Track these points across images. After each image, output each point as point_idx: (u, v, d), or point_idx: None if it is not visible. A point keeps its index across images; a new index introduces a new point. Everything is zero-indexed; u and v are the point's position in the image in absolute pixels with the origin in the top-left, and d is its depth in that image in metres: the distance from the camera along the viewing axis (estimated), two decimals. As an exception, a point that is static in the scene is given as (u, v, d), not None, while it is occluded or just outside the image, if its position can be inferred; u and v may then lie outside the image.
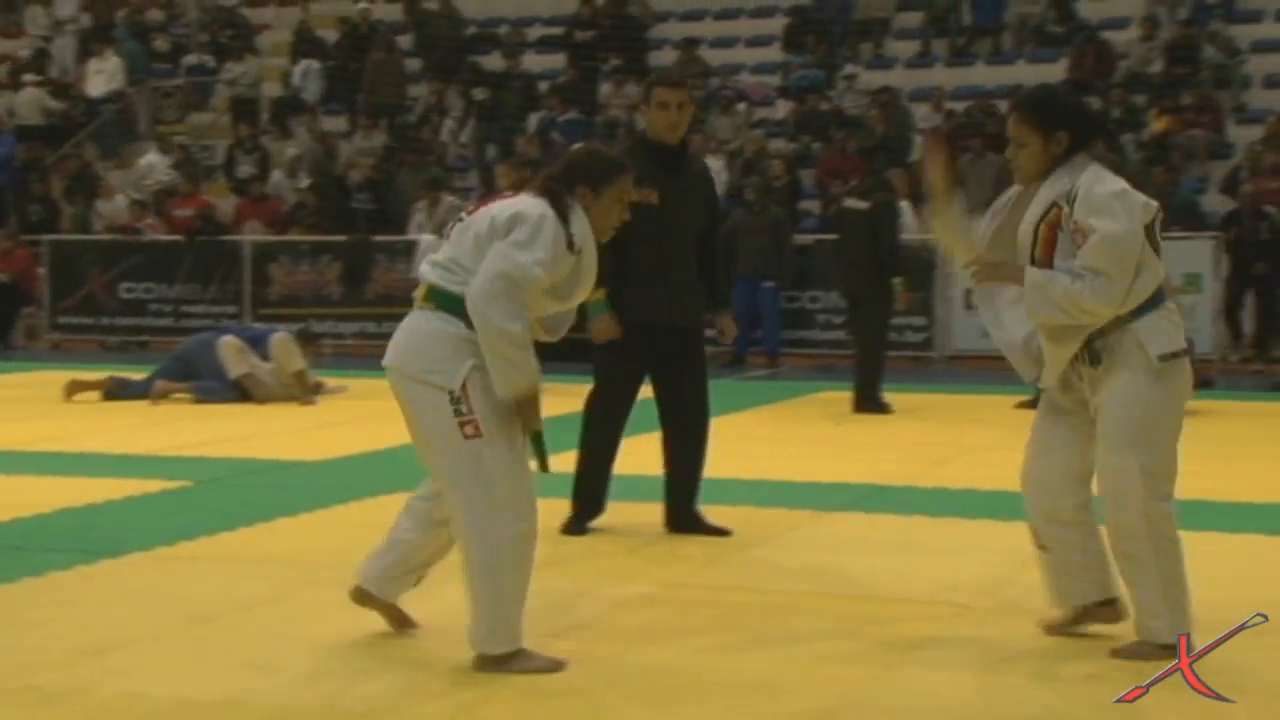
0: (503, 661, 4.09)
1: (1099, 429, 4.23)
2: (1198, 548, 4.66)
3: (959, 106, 17.95)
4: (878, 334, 10.90)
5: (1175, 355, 4.17)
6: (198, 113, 21.41)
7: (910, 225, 12.90)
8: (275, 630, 4.64)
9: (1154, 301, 4.18)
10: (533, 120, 19.16)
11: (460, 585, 4.17)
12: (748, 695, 3.96)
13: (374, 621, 4.55)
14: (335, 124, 20.11)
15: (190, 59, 21.94)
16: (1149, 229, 4.14)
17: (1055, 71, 18.16)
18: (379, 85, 20.00)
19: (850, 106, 18.43)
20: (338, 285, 16.62)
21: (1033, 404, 5.85)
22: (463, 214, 4.28)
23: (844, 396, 10.79)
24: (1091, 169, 4.21)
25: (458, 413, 4.01)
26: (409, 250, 16.09)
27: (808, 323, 15.48)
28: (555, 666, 4.12)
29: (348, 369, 12.74)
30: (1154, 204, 4.20)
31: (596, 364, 6.22)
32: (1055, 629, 4.51)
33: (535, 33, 21.54)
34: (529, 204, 4.12)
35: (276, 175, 18.69)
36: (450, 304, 4.08)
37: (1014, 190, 4.43)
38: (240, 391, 11.04)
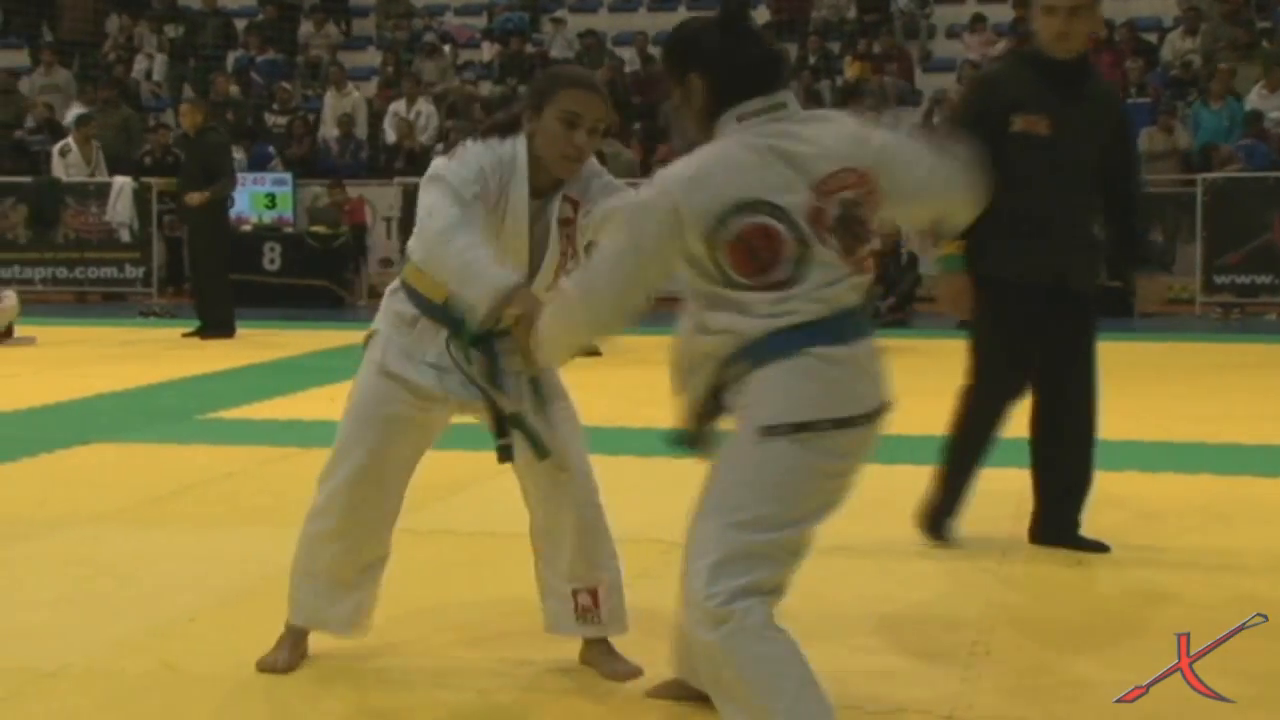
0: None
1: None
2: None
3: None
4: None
5: None
6: None
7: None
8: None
9: None
10: (230, 59, 18.56)
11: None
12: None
13: (85, 577, 4.38)
14: (14, 58, 19.06)
15: None
16: None
17: (759, 16, 18.58)
18: (72, 17, 19.01)
19: (556, 51, 18.46)
20: (24, 229, 15.82)
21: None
22: None
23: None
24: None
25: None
26: (101, 193, 15.46)
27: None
28: (282, 667, 3.64)
29: (37, 316, 12.17)
30: None
31: (973, 344, 4.89)
32: (660, 693, 3.48)
33: (232, -31, 20.83)
34: None
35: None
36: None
37: None
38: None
